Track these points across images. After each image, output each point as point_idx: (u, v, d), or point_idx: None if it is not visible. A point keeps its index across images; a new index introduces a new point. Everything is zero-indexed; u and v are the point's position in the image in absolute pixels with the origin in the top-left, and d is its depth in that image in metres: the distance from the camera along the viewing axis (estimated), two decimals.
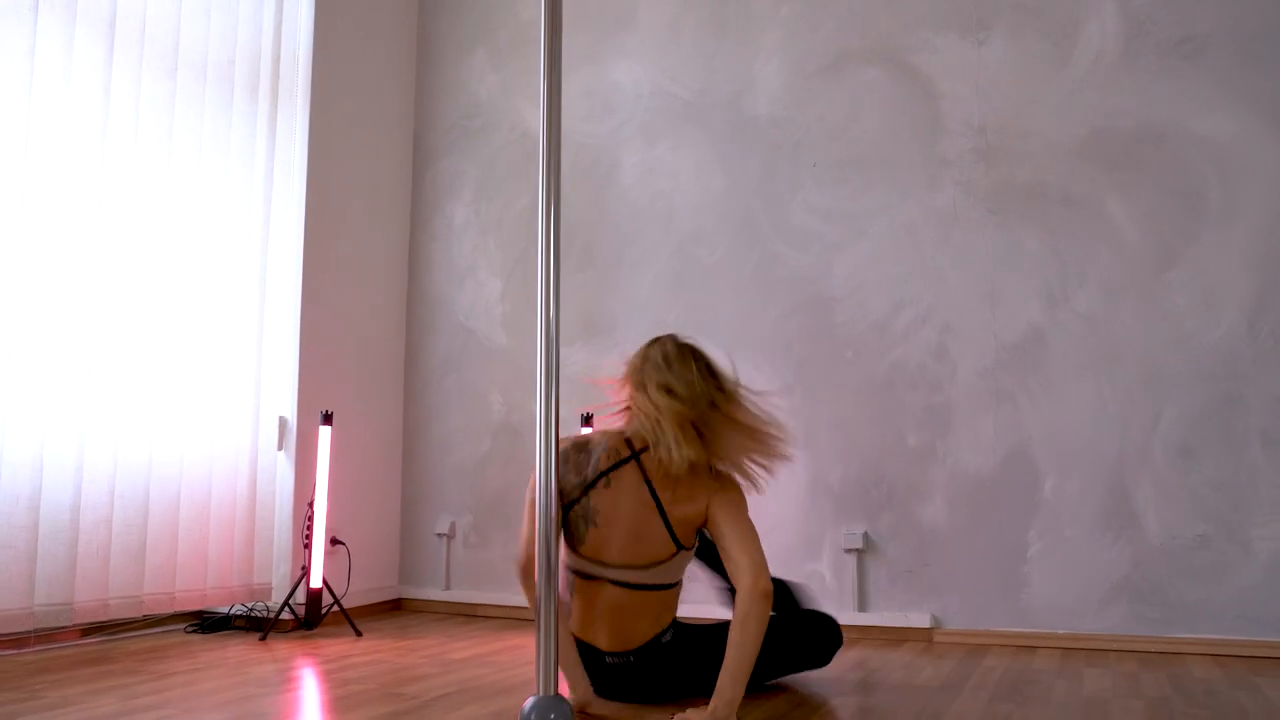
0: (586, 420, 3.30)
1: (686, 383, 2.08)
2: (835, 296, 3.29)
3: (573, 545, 2.11)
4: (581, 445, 2.16)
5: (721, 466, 2.12)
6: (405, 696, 2.22)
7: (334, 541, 3.43)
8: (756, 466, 2.13)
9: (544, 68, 1.90)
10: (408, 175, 4.02)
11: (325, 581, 3.22)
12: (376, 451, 3.75)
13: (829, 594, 3.18)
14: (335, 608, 3.29)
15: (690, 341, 2.20)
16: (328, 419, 3.29)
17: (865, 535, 3.16)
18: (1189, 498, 2.83)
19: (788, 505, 3.25)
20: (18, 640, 2.73)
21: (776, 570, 3.15)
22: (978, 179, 3.16)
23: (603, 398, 2.26)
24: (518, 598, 3.58)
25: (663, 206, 3.57)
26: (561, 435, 2.08)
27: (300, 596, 3.25)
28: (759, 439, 2.10)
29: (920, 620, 3.05)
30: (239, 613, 3.28)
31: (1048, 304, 3.04)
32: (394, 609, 3.77)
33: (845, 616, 3.13)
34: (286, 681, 2.40)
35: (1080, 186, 3.04)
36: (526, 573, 2.09)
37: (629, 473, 2.10)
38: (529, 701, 1.82)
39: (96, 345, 2.84)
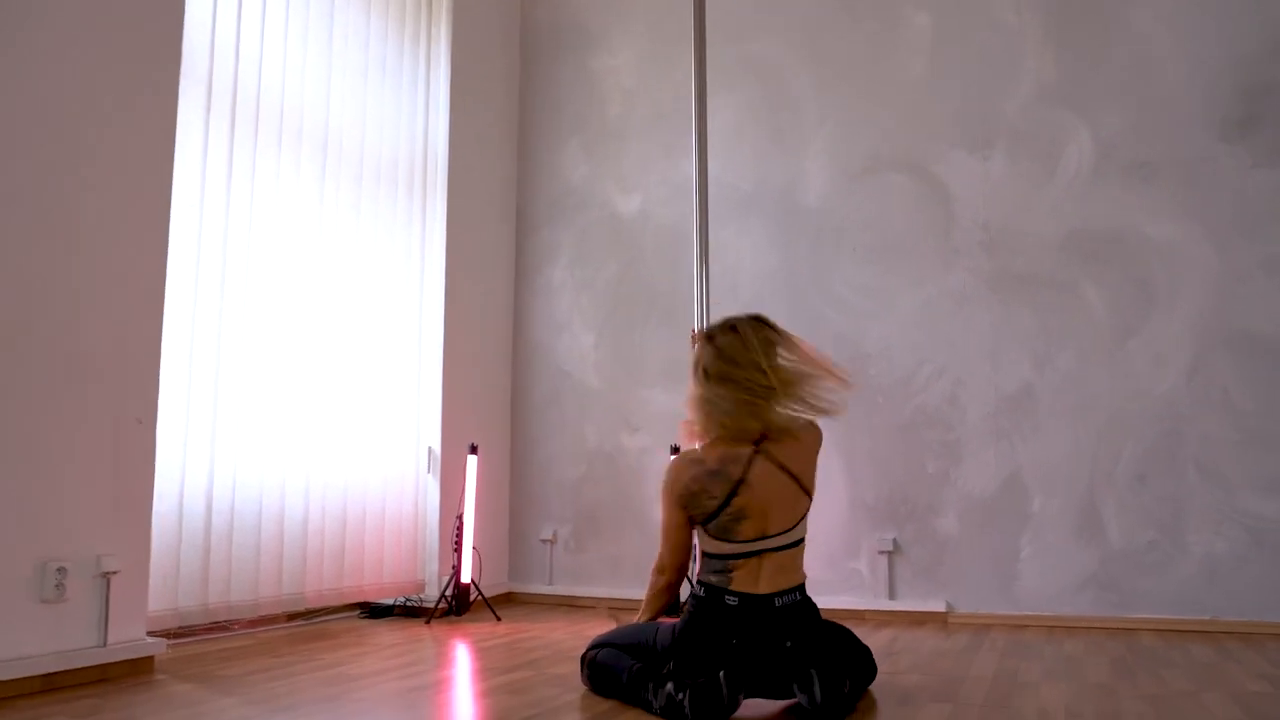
0: (674, 450, 4.20)
1: (750, 365, 2.38)
2: (870, 354, 4.20)
3: (728, 538, 2.34)
4: (700, 471, 2.39)
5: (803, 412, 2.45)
6: (566, 653, 3.09)
7: (474, 549, 4.29)
8: (830, 397, 2.47)
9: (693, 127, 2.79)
10: (512, 243, 4.90)
11: (474, 579, 4.09)
12: (491, 473, 4.62)
13: (865, 586, 4.08)
14: (478, 598, 4.14)
15: (736, 323, 2.51)
16: (474, 450, 4.16)
17: (894, 540, 4.07)
18: (1142, 512, 3.77)
19: (834, 517, 4.15)
20: (260, 621, 3.58)
21: (823, 568, 4.07)
22: (982, 265, 4.08)
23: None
24: (610, 590, 4.45)
25: (729, 279, 4.46)
26: (679, 472, 2.44)
27: (450, 590, 4.12)
28: (822, 380, 2.46)
29: (937, 606, 3.97)
30: (399, 603, 4.13)
31: (1036, 364, 3.97)
32: (507, 600, 4.64)
33: (878, 603, 4.03)
34: (468, 651, 3.27)
35: (1062, 274, 3.97)
36: (674, 583, 2.54)
37: (759, 465, 2.36)
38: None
39: (308, 397, 3.70)
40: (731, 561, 2.35)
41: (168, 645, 2.97)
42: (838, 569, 4.13)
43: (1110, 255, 3.92)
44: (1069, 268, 3.97)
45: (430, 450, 4.24)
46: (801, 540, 2.43)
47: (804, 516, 2.44)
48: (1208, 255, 3.80)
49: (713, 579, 2.37)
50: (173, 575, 3.10)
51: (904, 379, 4.14)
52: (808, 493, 2.44)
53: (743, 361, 2.40)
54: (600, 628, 3.78)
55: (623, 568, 4.49)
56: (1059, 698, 2.49)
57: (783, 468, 2.39)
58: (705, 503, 2.37)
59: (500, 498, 4.70)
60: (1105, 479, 3.83)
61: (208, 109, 3.29)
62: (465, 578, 4.06)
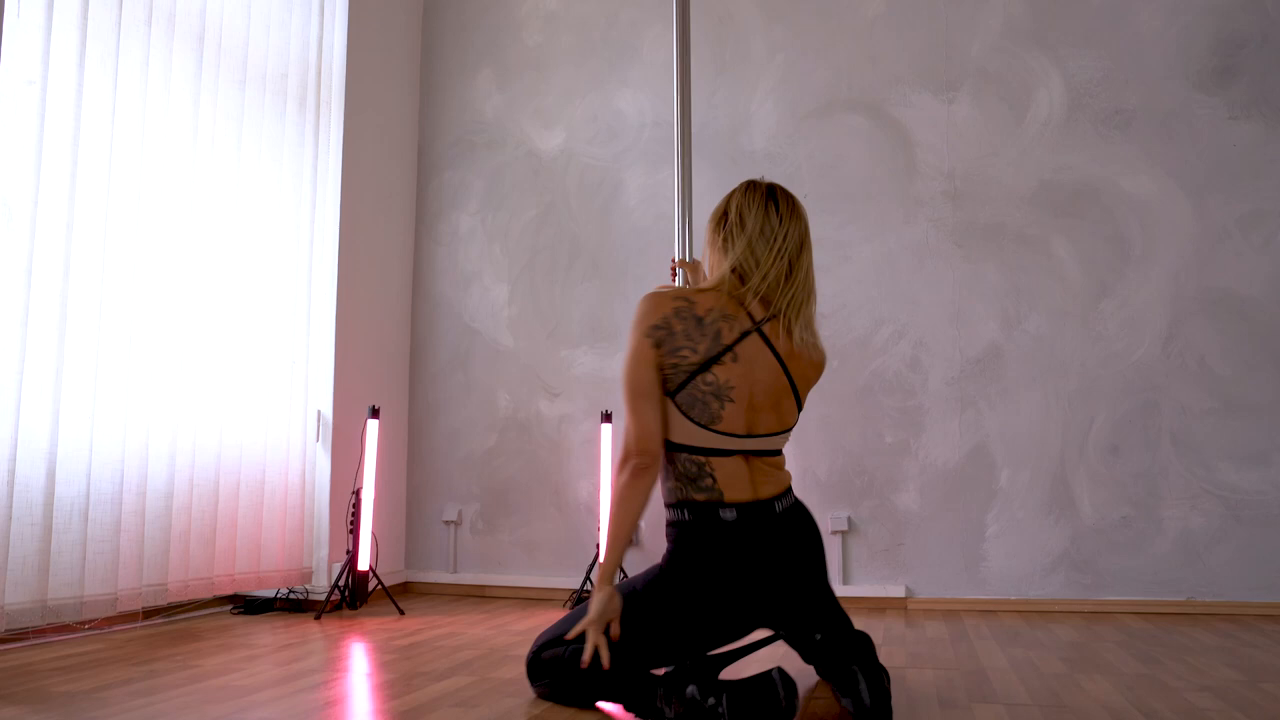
0: (606, 417, 3.69)
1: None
2: (823, 313, 3.79)
3: (703, 423, 1.95)
4: (686, 313, 1.97)
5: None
6: (501, 653, 2.56)
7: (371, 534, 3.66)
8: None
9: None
10: (412, 185, 4.27)
11: (372, 567, 3.47)
12: (387, 443, 4.00)
13: None
14: (377, 588, 3.53)
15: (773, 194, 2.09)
16: (375, 413, 3.53)
17: (849, 519, 3.68)
18: (1115, 486, 3.49)
19: None
20: (112, 619, 2.88)
21: None
22: (946, 217, 3.73)
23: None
24: (525, 578, 3.91)
25: (665, 227, 3.98)
26: (654, 310, 1.99)
27: (344, 580, 3.48)
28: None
29: (896, 591, 3.60)
30: (280, 596, 3.48)
31: (1004, 325, 3.64)
32: (403, 590, 4.02)
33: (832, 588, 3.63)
34: (378, 652, 2.69)
35: (1032, 228, 3.66)
36: (646, 469, 1.95)
37: (753, 343, 1.97)
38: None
39: (175, 347, 3.01)
40: (714, 459, 1.95)
41: None
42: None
43: (1083, 209, 3.63)
44: (1039, 221, 3.66)
45: (320, 415, 3.59)
46: (781, 454, 2.06)
47: (789, 429, 2.05)
48: (1184, 211, 3.55)
49: (696, 495, 1.94)
50: None
51: (861, 340, 3.75)
52: (799, 404, 2.04)
53: (788, 234, 2.02)
54: (528, 618, 3.25)
55: (539, 552, 3.95)
56: (1108, 691, 2.12)
57: (780, 361, 1.98)
58: (681, 354, 1.94)
59: (397, 473, 4.08)
60: (1076, 451, 3.54)
61: None
62: (363, 564, 3.44)
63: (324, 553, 3.54)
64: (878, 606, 3.58)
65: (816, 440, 3.74)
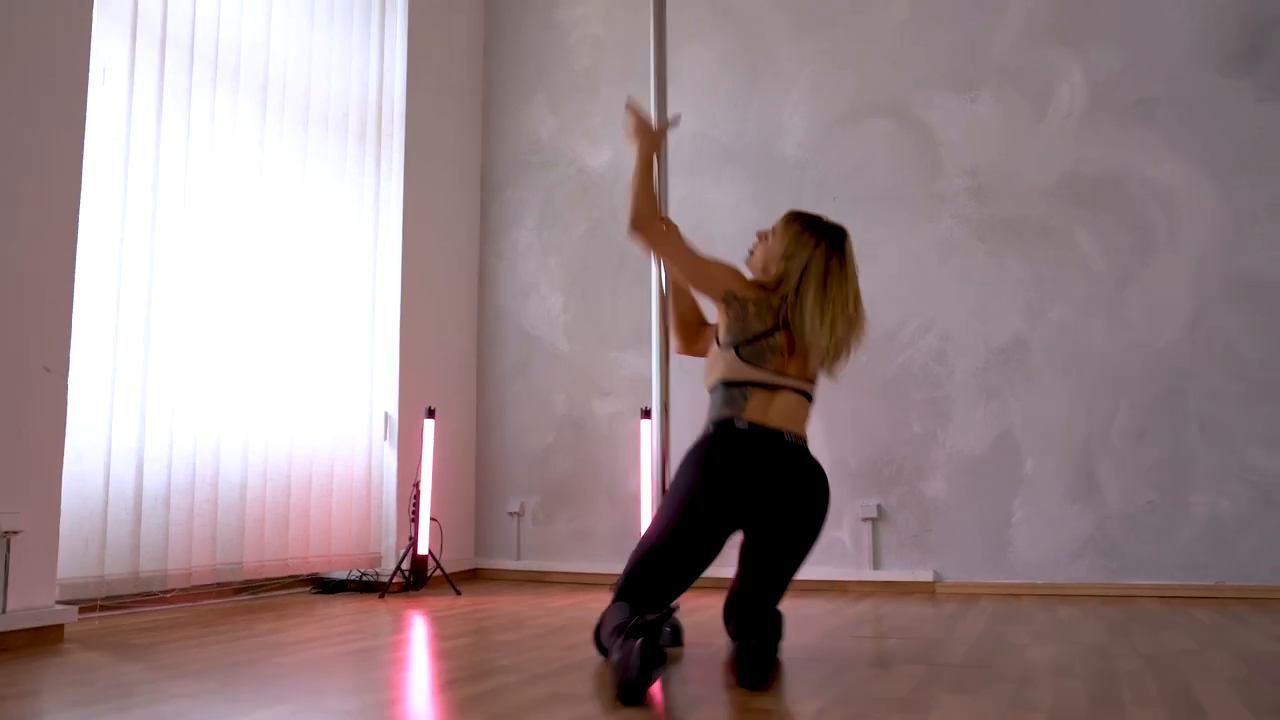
0: (645, 414, 3.95)
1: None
2: None
3: (756, 363, 2.34)
4: (760, 299, 2.40)
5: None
6: (530, 625, 2.85)
7: (431, 519, 4.04)
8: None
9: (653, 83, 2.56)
10: (477, 203, 4.66)
11: (431, 551, 3.85)
12: (455, 442, 4.38)
13: (848, 556, 3.84)
14: (437, 571, 3.90)
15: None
16: (431, 414, 3.91)
17: (879, 507, 3.82)
18: (1140, 472, 3.52)
19: None
20: (199, 594, 3.34)
21: None
22: (970, 213, 3.84)
23: None
24: (580, 564, 4.21)
25: (704, 234, 4.21)
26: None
27: (406, 563, 3.87)
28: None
29: (924, 575, 3.72)
30: (354, 577, 3.89)
31: (1028, 316, 3.72)
32: (472, 576, 4.39)
33: (862, 574, 3.79)
34: (429, 620, 3.03)
35: (1055, 220, 3.73)
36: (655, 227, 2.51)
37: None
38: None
39: (250, 357, 3.45)
40: (750, 389, 2.35)
41: (79, 614, 2.72)
42: (819, 538, 3.87)
43: (1106, 199, 3.68)
44: (1062, 213, 3.72)
45: (387, 415, 4.00)
46: (812, 398, 2.44)
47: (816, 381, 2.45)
48: (1210, 197, 3.55)
49: (725, 412, 2.34)
50: (98, 540, 2.86)
51: (889, 334, 3.89)
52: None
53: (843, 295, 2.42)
54: (578, 597, 3.54)
55: (593, 541, 4.25)
56: (1046, 658, 2.25)
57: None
58: (754, 323, 2.37)
59: (465, 469, 4.46)
60: (1102, 437, 3.59)
61: (132, 42, 3.04)
62: (422, 549, 3.82)
63: (391, 540, 3.93)
64: (906, 590, 3.71)
65: (847, 432, 3.90)
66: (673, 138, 4.33)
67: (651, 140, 2.65)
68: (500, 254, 4.63)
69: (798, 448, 2.35)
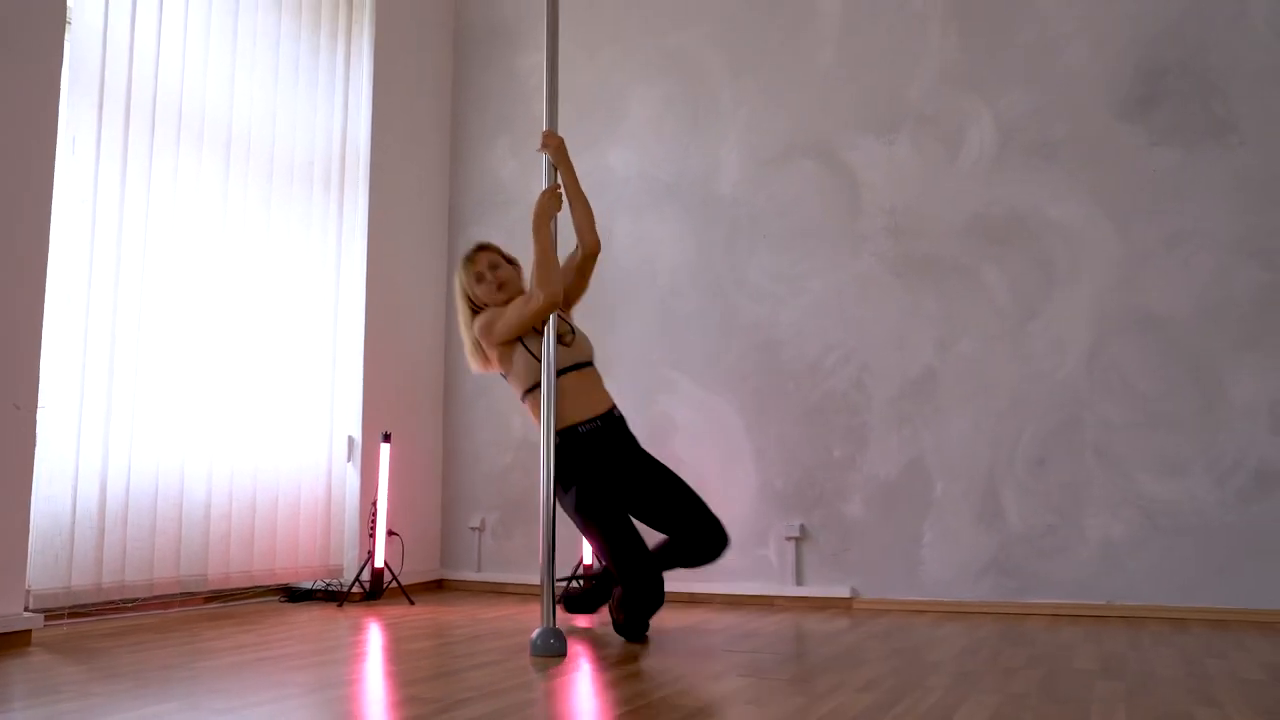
0: None
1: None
2: (781, 340, 4.21)
3: (565, 344, 3.22)
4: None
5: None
6: (449, 637, 3.16)
7: (390, 533, 4.38)
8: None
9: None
10: (444, 238, 4.99)
11: (386, 563, 4.19)
12: (421, 462, 4.71)
13: (774, 573, 4.09)
14: (394, 583, 4.24)
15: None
16: (387, 438, 4.25)
17: (802, 526, 4.07)
18: (1041, 496, 3.73)
19: (743, 504, 4.17)
20: (169, 601, 3.71)
21: (733, 555, 4.10)
22: (888, 250, 4.07)
23: None
24: (533, 576, 4.51)
25: (648, 269, 4.51)
26: None
27: (366, 575, 4.21)
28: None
29: (842, 592, 3.96)
30: (319, 587, 4.24)
31: (939, 348, 3.95)
32: (437, 587, 4.73)
33: (786, 589, 4.04)
34: (366, 630, 3.36)
35: (965, 258, 3.95)
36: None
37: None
38: (535, 630, 2.77)
39: (219, 390, 3.82)
40: (558, 379, 3.06)
41: (46, 622, 3.09)
42: (747, 555, 4.14)
43: (1012, 237, 3.89)
44: (971, 251, 3.94)
45: (350, 439, 4.34)
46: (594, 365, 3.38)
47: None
48: (1108, 235, 3.76)
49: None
50: (65, 556, 3.24)
51: (813, 364, 4.14)
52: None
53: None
54: (518, 609, 3.84)
55: None
56: (866, 674, 2.50)
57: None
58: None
59: (432, 487, 4.79)
60: (1005, 463, 3.80)
61: (99, 111, 3.42)
62: (378, 563, 4.16)
63: (353, 553, 4.28)
64: (825, 605, 3.96)
65: (775, 456, 4.15)
66: (620, 176, 4.64)
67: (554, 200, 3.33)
68: None
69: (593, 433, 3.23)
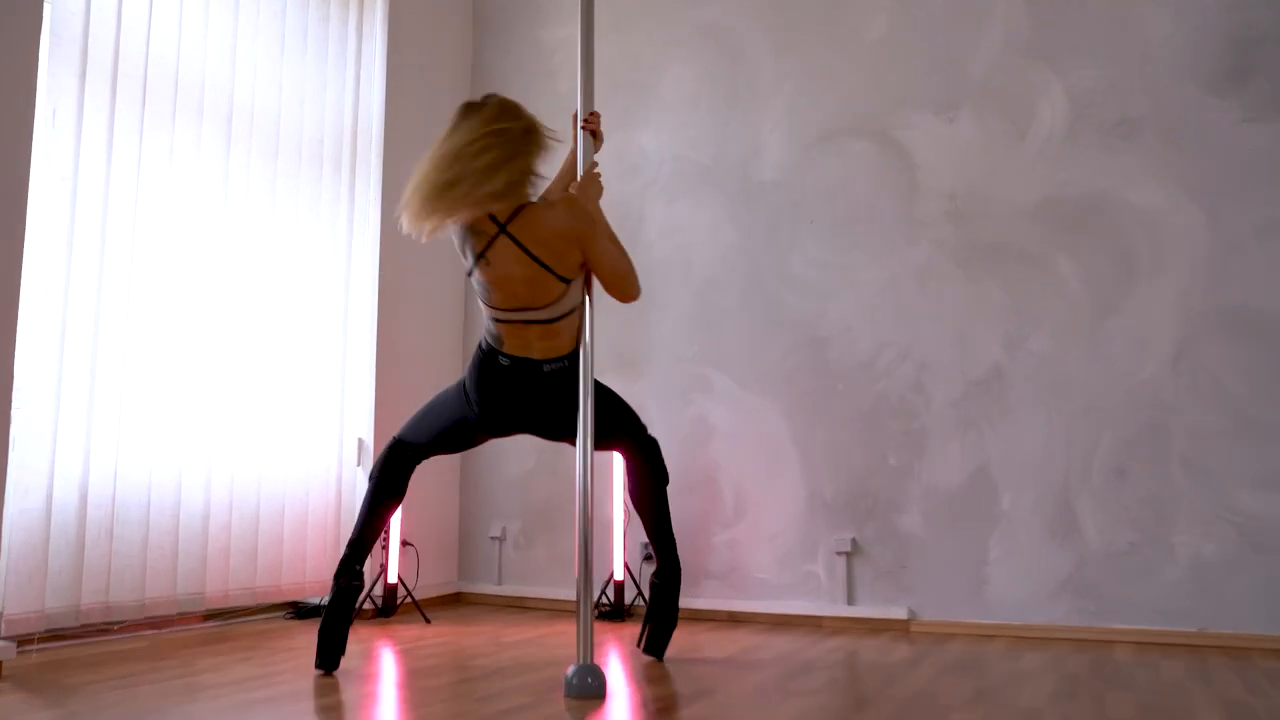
0: None
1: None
2: (828, 337, 3.86)
3: (487, 301, 2.68)
4: (460, 232, 2.66)
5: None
6: (471, 668, 2.83)
7: (405, 544, 4.05)
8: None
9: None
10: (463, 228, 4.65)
11: (400, 578, 3.85)
12: (437, 466, 4.37)
13: (822, 591, 3.75)
14: (408, 599, 3.90)
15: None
16: None
17: (853, 540, 3.73)
18: (1121, 510, 3.38)
19: (788, 515, 3.82)
20: (162, 622, 3.38)
21: (777, 570, 3.76)
22: (948, 238, 3.72)
23: None
24: (562, 591, 4.18)
25: (683, 257, 4.16)
26: None
27: (378, 590, 3.88)
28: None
29: (899, 613, 3.62)
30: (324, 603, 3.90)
31: (1007, 346, 3.59)
32: (455, 601, 4.39)
33: (836, 609, 3.70)
34: (377, 658, 3.03)
35: (1034, 246, 3.59)
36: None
37: (501, 246, 2.59)
38: (571, 668, 2.43)
39: (217, 388, 3.48)
40: (498, 325, 2.67)
41: (19, 650, 2.77)
42: (793, 571, 3.80)
43: (1087, 224, 3.53)
44: (1042, 239, 3.58)
45: (361, 442, 4.01)
46: (569, 313, 2.66)
47: (556, 301, 2.62)
48: (1196, 222, 3.39)
49: (488, 338, 2.70)
50: (39, 575, 2.91)
51: (864, 363, 3.79)
52: (558, 276, 2.61)
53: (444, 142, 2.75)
54: (543, 630, 3.51)
55: (571, 568, 4.21)
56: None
57: (532, 256, 2.58)
58: (463, 261, 2.72)
59: (449, 493, 4.46)
60: (1081, 474, 3.44)
61: (81, 81, 3.08)
62: (392, 577, 3.82)
63: (365, 566, 3.94)
64: (879, 628, 3.61)
65: (823, 463, 3.80)
66: (653, 158, 4.28)
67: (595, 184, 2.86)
68: None
69: (556, 374, 2.67)
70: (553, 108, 4.53)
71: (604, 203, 2.89)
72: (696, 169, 4.19)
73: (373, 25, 4.18)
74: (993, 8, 3.73)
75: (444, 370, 4.47)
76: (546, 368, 2.66)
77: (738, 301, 4.03)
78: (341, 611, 2.74)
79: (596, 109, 2.98)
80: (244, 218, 3.61)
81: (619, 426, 2.85)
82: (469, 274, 2.69)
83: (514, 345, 2.66)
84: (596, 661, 2.55)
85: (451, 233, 2.67)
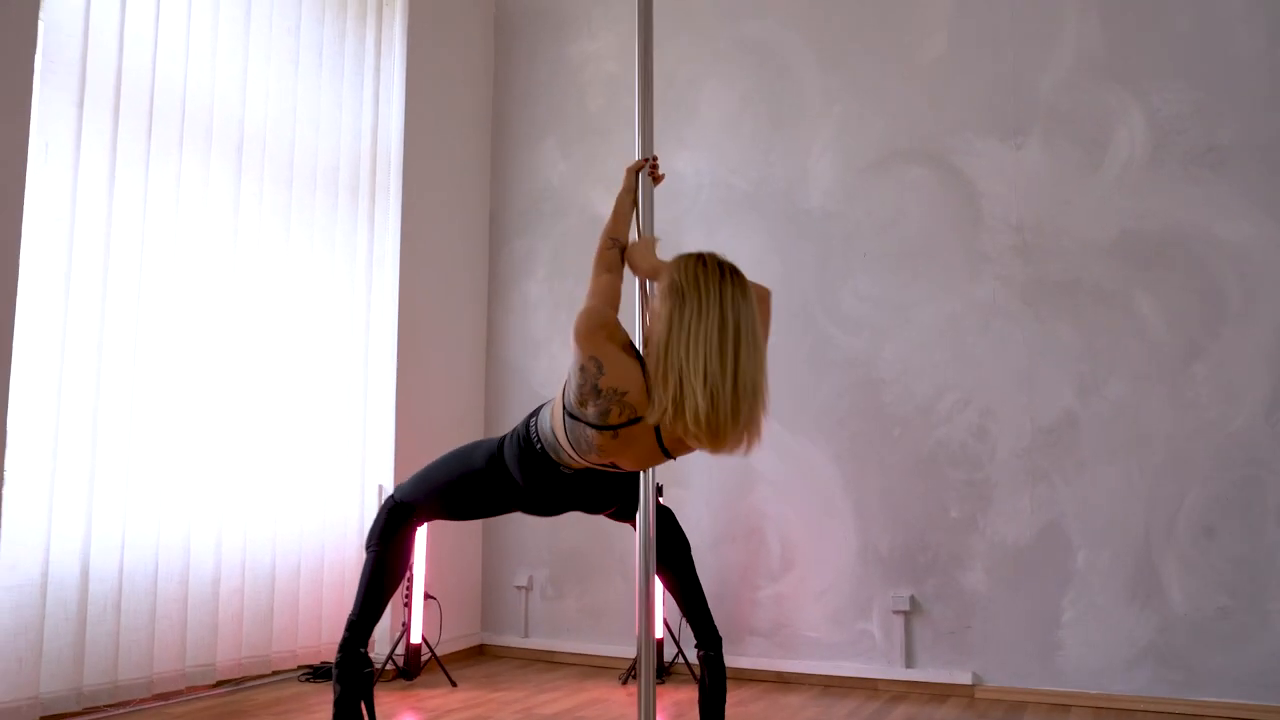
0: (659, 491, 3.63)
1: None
2: (883, 379, 3.59)
3: (571, 444, 2.08)
4: (593, 370, 1.96)
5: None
6: None
7: (426, 597, 3.78)
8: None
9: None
10: (485, 254, 4.38)
11: (424, 638, 3.58)
12: None
13: (878, 652, 3.48)
14: (432, 659, 3.63)
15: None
16: None
17: (912, 598, 3.46)
18: (1210, 572, 3.11)
19: (840, 569, 3.55)
20: (169, 694, 3.11)
21: (829, 628, 3.49)
22: (1015, 273, 3.45)
23: None
24: (593, 646, 3.91)
25: None
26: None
27: (400, 649, 3.61)
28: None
29: (963, 678, 3.35)
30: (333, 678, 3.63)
31: (1080, 391, 3.32)
32: (478, 654, 4.12)
33: (893, 672, 3.43)
34: None
35: (1111, 283, 3.32)
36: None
37: (639, 429, 1.97)
38: None
39: (228, 441, 3.21)
40: (572, 453, 2.09)
41: None
42: (845, 630, 3.53)
43: (1170, 260, 3.26)
44: (1119, 275, 3.31)
45: (381, 489, 3.74)
46: None
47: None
48: None
49: (544, 446, 2.16)
50: (33, 656, 2.64)
51: (923, 408, 3.52)
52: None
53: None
54: (580, 697, 3.24)
55: (605, 620, 3.94)
56: None
57: (662, 445, 2.01)
58: (585, 389, 1.97)
59: (472, 539, 4.19)
60: (1164, 531, 3.18)
61: (79, 111, 2.81)
62: (415, 637, 3.55)
63: (385, 624, 3.67)
64: (942, 694, 3.35)
65: (878, 514, 3.54)
66: (690, 185, 4.01)
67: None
68: (509, 308, 4.34)
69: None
70: (582, 127, 4.28)
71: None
72: (738, 195, 3.92)
73: (391, 41, 3.91)
74: (1064, 24, 3.46)
75: (466, 405, 4.20)
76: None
77: (784, 339, 3.76)
78: (356, 708, 2.40)
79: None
80: (256, 253, 3.34)
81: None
82: (577, 400, 2.00)
83: (578, 464, 2.17)
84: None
85: (590, 355, 1.97)
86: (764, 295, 2.22)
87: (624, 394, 1.94)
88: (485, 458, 2.34)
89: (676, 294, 1.91)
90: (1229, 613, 3.08)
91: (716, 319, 1.88)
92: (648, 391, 1.93)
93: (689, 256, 1.99)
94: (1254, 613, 3.05)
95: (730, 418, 1.87)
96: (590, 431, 1.99)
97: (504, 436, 2.34)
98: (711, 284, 1.91)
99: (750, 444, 1.94)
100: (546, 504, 2.38)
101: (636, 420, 1.94)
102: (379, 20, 3.88)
